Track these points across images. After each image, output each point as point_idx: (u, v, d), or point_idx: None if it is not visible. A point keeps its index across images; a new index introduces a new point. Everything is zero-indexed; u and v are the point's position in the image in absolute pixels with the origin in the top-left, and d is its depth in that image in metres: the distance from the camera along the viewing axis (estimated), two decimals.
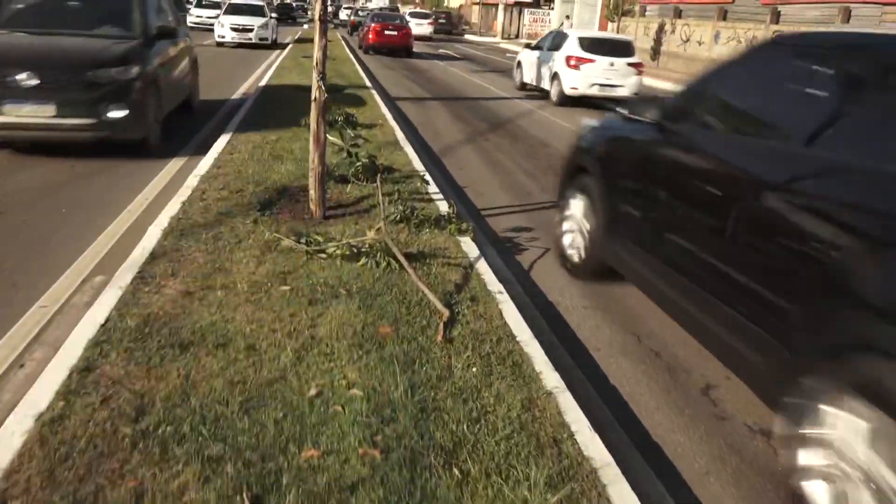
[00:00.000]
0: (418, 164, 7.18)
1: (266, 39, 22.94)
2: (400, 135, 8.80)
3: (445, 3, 64.49)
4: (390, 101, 12.97)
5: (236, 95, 11.80)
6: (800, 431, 2.41)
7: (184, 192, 5.53)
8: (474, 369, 3.22)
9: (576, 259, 4.78)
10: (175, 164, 6.97)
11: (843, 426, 2.22)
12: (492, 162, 8.55)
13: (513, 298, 4.11)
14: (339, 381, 3.00)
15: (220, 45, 22.26)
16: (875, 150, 2.46)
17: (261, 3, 24.42)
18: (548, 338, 3.87)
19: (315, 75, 5.04)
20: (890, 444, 2.03)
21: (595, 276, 4.69)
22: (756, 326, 2.76)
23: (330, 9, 51.65)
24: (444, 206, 5.73)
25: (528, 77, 15.60)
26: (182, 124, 8.81)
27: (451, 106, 13.20)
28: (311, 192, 5.20)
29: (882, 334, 2.11)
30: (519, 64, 16.43)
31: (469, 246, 4.92)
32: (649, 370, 3.77)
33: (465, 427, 2.76)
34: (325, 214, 5.24)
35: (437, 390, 3.00)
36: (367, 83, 14.47)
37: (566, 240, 4.92)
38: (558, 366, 3.38)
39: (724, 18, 24.44)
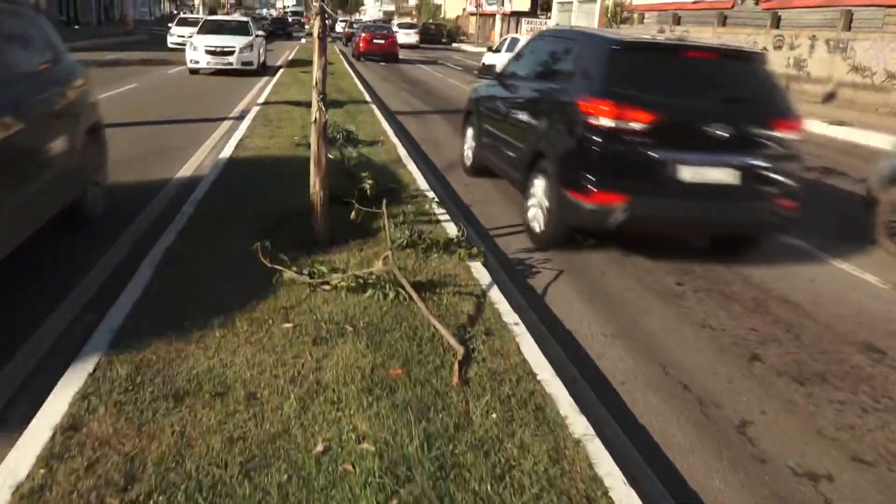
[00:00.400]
0: (423, 183, 6.94)
1: (251, 64, 18.43)
2: (403, 152, 8.58)
3: (442, 15, 64.54)
4: (390, 116, 12.76)
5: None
6: (525, 194, 5.93)
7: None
8: (494, 415, 2.96)
9: (470, 161, 8.00)
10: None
11: (537, 185, 5.63)
12: (495, 176, 8.31)
13: (530, 329, 3.86)
14: (349, 433, 2.74)
15: (193, 72, 18.20)
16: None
17: (244, 20, 21.36)
18: (570, 373, 3.62)
19: (315, 95, 4.82)
20: (547, 188, 5.44)
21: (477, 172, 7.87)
22: (519, 162, 6.11)
23: (328, 22, 52.66)
24: (452, 228, 5.49)
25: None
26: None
27: (451, 119, 12.99)
28: (315, 219, 4.96)
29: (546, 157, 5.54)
30: (483, 64, 17.99)
31: (480, 271, 4.67)
32: (679, 406, 3.52)
33: (488, 486, 2.50)
34: (329, 241, 4.99)
35: (455, 442, 2.74)
36: (367, 97, 14.28)
37: (467, 151, 8.07)
38: (584, 407, 3.12)
39: (724, 24, 24.29)
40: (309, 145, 8.58)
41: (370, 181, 6.04)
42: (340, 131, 8.69)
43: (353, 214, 4.55)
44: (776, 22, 21.66)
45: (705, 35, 24.25)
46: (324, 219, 4.93)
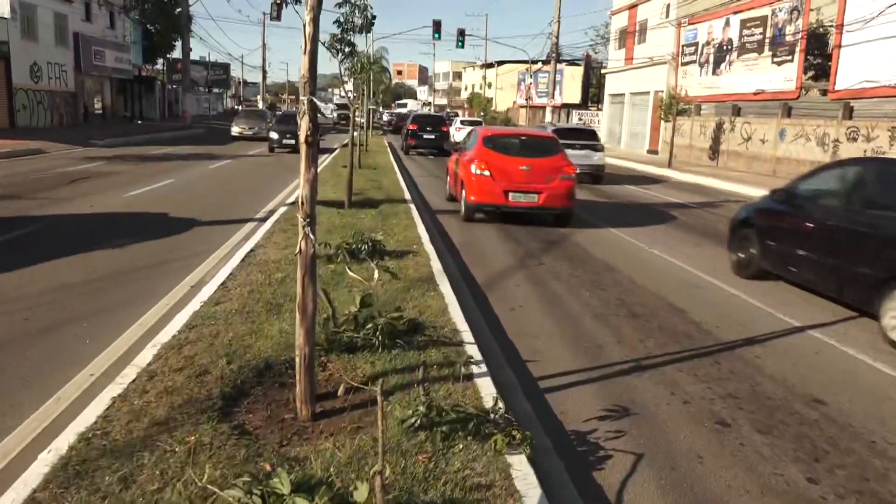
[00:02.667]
0: (455, 314, 5.53)
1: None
2: (436, 265, 7.25)
3: (493, 108, 65.17)
4: (431, 216, 11.59)
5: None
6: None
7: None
8: None
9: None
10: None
11: None
12: (549, 297, 6.88)
13: None
14: None
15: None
16: None
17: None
18: None
19: (301, 220, 3.54)
20: None
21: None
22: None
23: (380, 113, 52.98)
24: (488, 390, 4.03)
25: None
26: None
27: (499, 219, 11.74)
28: (297, 383, 3.59)
29: None
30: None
31: (524, 472, 3.17)
32: None
33: None
34: (315, 414, 3.60)
35: None
36: (406, 195, 13.20)
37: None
38: None
39: (789, 115, 22.85)
40: (328, 257, 7.55)
41: (381, 319, 4.68)
42: (366, 241, 7.45)
43: (340, 391, 3.15)
44: (849, 113, 20.12)
45: (767, 126, 22.88)
46: (307, 386, 3.55)
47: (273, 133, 25.12)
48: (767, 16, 24.18)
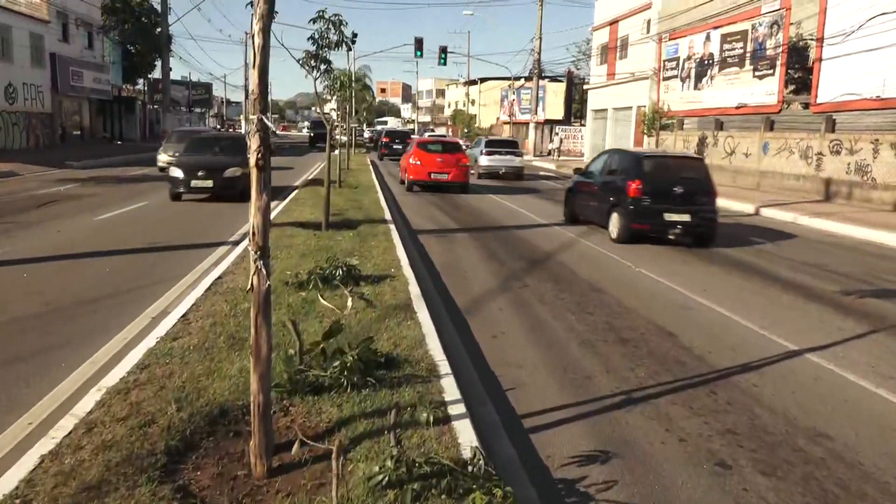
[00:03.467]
0: (433, 344, 5.15)
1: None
2: (415, 290, 6.88)
3: (477, 124, 65.21)
4: (412, 236, 11.24)
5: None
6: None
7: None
8: None
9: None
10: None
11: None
12: (533, 324, 6.53)
13: None
14: None
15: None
16: None
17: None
18: None
19: (252, 253, 3.16)
20: None
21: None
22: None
23: (363, 131, 52.61)
24: (467, 437, 3.65)
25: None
26: None
27: (481, 238, 11.40)
28: (252, 435, 3.19)
29: None
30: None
31: None
32: None
33: None
34: (272, 469, 3.20)
35: None
36: (387, 215, 12.84)
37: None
38: None
39: (772, 129, 22.81)
40: (300, 284, 7.13)
41: (350, 355, 4.30)
42: (341, 265, 7.08)
43: (294, 449, 2.76)
44: (831, 126, 20.06)
45: (750, 140, 22.80)
46: (262, 438, 3.16)
47: (176, 170, 14.59)
48: (748, 30, 24.22)
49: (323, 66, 10.07)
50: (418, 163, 18.73)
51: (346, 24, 9.61)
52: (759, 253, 11.13)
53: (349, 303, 6.09)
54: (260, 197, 3.24)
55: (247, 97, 60.91)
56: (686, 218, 10.91)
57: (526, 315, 6.82)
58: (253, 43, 3.32)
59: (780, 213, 16.49)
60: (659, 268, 9.36)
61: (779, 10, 22.48)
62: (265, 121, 3.34)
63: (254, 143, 3.32)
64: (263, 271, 3.13)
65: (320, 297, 6.15)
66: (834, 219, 15.01)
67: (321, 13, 9.25)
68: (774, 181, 21.82)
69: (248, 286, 3.15)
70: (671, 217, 10.91)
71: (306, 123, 64.46)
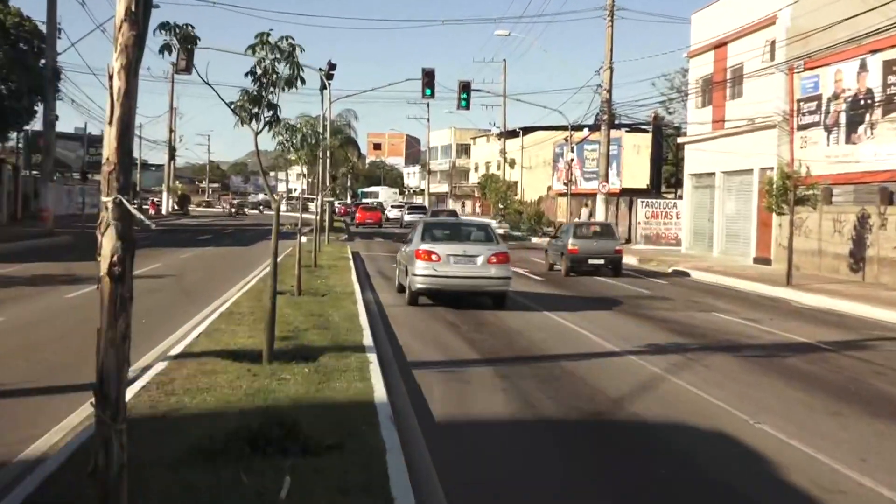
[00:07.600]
0: None
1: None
2: (395, 475, 6.56)
3: (518, 196, 66.23)
4: (406, 374, 11.03)
5: None
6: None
7: None
8: None
9: None
10: None
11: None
12: None
13: None
14: None
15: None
16: None
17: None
18: None
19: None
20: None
21: None
22: None
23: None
24: None
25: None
26: None
27: (517, 381, 11.14)
28: None
29: None
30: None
31: None
32: None
33: None
34: None
35: None
36: (366, 339, 12.64)
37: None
38: None
39: None
40: (211, 453, 6.86)
41: None
42: (276, 423, 6.85)
43: None
44: None
45: None
46: None
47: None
48: None
49: (268, 113, 10.22)
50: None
51: (303, 50, 9.82)
52: None
53: (285, 488, 5.88)
54: (113, 325, 3.08)
55: (172, 158, 62.79)
56: None
57: None
58: (110, 89, 3.31)
59: None
60: None
61: None
62: (126, 203, 3.23)
63: (107, 242, 3.22)
64: (118, 444, 2.86)
65: (242, 478, 6.00)
66: None
67: (264, 36, 9.43)
68: None
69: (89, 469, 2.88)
70: None
71: (260, 196, 68.45)
